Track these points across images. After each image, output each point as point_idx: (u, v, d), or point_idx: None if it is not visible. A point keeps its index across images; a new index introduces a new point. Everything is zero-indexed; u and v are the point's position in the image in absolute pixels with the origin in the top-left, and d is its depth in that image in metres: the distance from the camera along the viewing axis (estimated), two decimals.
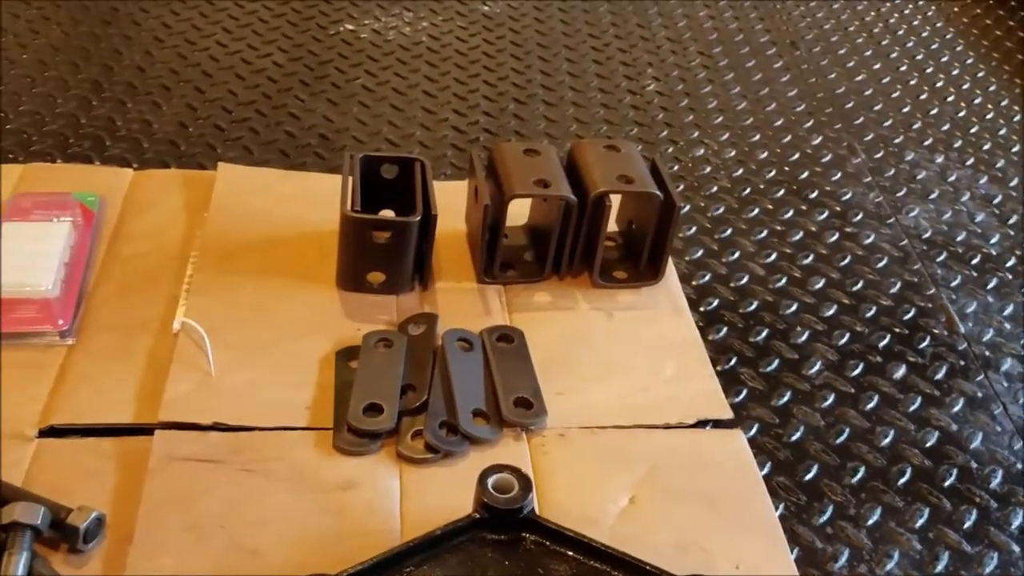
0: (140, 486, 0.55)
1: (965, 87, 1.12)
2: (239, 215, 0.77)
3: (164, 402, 0.60)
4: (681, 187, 0.90)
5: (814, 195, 0.91)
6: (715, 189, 0.90)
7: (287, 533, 0.54)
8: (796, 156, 0.97)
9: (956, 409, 0.68)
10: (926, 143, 1.01)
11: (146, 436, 0.58)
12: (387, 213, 0.74)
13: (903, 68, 1.15)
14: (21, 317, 0.63)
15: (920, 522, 0.59)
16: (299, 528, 0.54)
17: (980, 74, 1.15)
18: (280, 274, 0.73)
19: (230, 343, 0.65)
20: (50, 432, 0.58)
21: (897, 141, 1.01)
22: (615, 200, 0.74)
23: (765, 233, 0.85)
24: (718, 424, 0.63)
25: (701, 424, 0.63)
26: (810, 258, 0.82)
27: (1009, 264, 0.84)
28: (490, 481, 0.52)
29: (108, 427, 0.59)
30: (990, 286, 0.81)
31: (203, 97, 0.97)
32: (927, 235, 0.86)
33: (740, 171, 0.94)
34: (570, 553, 0.50)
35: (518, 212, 0.77)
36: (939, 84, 1.12)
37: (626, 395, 0.65)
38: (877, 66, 1.15)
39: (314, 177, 0.85)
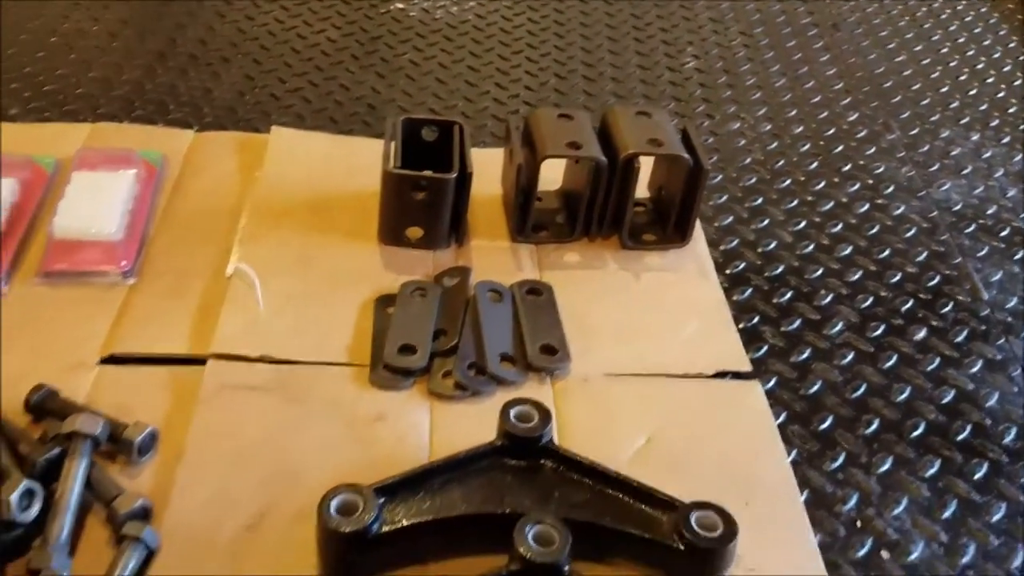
0: (191, 411, 0.60)
1: (1007, 69, 1.12)
2: (289, 175, 0.82)
3: (216, 336, 0.65)
4: (715, 158, 0.92)
5: (847, 168, 0.93)
6: (748, 160, 0.92)
7: (325, 458, 0.58)
8: (831, 131, 0.99)
9: (974, 370, 0.69)
10: (963, 121, 1.01)
11: (198, 367, 0.63)
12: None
13: (944, 50, 1.15)
14: (87, 258, 0.69)
15: (931, 472, 0.61)
16: (335, 453, 0.58)
17: (1022, 57, 1.15)
18: (325, 230, 0.77)
19: (278, 289, 0.70)
20: (110, 360, 0.63)
21: (933, 119, 1.01)
22: (646, 165, 0.77)
23: (795, 203, 0.87)
24: (737, 376, 0.66)
25: (720, 376, 0.66)
26: (839, 227, 0.84)
27: None
28: (512, 412, 0.56)
29: (164, 357, 0.64)
30: (1017, 257, 0.81)
31: (260, 68, 1.02)
32: (957, 208, 0.87)
33: (774, 144, 0.95)
34: (586, 481, 0.54)
35: (553, 177, 0.81)
36: (980, 66, 1.12)
37: (648, 349, 0.68)
38: (918, 48, 1.16)
39: (360, 142, 0.89)
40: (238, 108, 0.95)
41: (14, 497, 0.48)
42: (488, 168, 0.79)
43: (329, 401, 0.62)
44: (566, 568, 0.47)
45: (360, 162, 0.84)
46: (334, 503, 0.50)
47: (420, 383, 0.64)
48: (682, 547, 0.49)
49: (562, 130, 0.76)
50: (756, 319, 0.72)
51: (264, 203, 0.78)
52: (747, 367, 0.66)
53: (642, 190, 0.79)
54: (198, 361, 0.63)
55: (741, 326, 0.70)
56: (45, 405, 0.57)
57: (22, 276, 0.69)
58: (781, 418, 0.63)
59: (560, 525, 0.49)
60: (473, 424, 0.61)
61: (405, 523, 0.50)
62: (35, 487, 0.50)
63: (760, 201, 0.86)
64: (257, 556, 0.52)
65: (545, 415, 0.55)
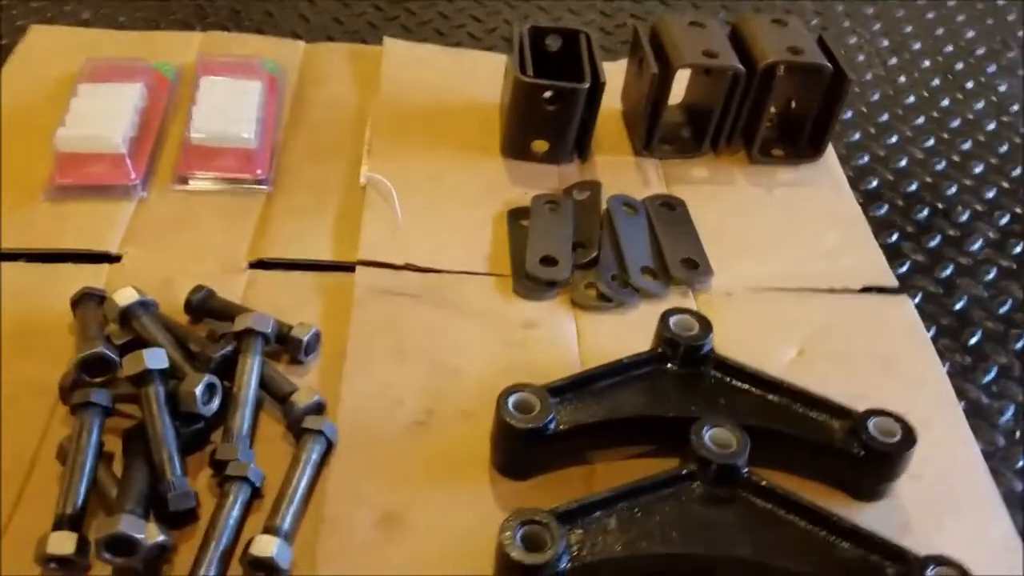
0: (345, 313, 0.60)
1: None
2: (407, 87, 0.81)
3: (361, 244, 0.65)
4: None
5: (970, 86, 0.89)
6: (869, 77, 0.89)
7: (481, 358, 0.58)
8: (950, 48, 0.95)
9: None
10: None
11: (345, 273, 0.63)
12: None
13: None
14: (225, 164, 0.69)
15: None
16: (489, 355, 0.59)
17: None
18: (448, 144, 0.76)
19: (410, 200, 0.69)
20: (259, 265, 0.64)
21: None
22: None
23: (922, 120, 0.84)
24: (882, 291, 0.65)
25: (866, 291, 0.65)
26: (968, 144, 0.81)
27: None
28: (672, 320, 0.56)
29: (310, 263, 0.64)
30: None
31: None
32: None
33: (894, 60, 0.92)
34: (751, 388, 0.54)
35: (672, 91, 0.79)
36: None
37: (789, 263, 0.67)
38: None
39: (473, 54, 0.88)
40: (343, 19, 0.93)
41: (199, 390, 0.49)
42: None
43: (478, 308, 0.62)
44: (745, 470, 0.48)
45: (474, 74, 0.83)
46: (511, 401, 0.50)
47: (562, 294, 0.64)
48: (862, 453, 0.49)
49: (695, 38, 0.74)
50: (896, 235, 0.71)
51: (386, 117, 0.77)
52: (893, 282, 0.65)
53: None
54: (343, 267, 0.64)
55: (881, 243, 0.69)
56: (205, 305, 0.58)
57: (159, 182, 0.69)
58: (931, 333, 0.62)
59: (736, 428, 0.49)
60: (618, 334, 0.62)
61: (577, 422, 0.51)
62: (215, 382, 0.51)
63: (886, 118, 0.84)
64: (429, 449, 0.53)
65: (706, 324, 0.55)
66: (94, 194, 0.66)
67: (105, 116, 0.67)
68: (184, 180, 0.68)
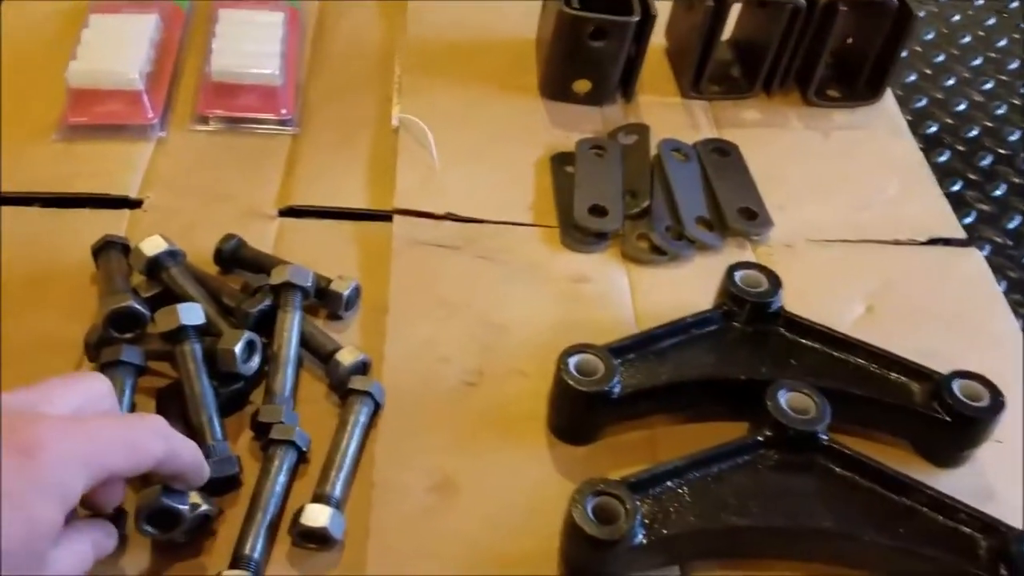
0: (383, 265, 0.56)
1: None
2: (436, 21, 0.75)
3: (397, 192, 0.61)
4: None
5: None
6: (922, 14, 0.84)
7: (529, 315, 0.55)
8: None
9: None
10: None
11: (381, 223, 0.59)
12: None
13: None
14: (247, 103, 0.64)
15: None
16: (539, 311, 0.55)
17: None
18: (482, 81, 0.71)
19: (445, 143, 0.65)
20: (289, 212, 0.60)
21: None
22: None
23: (980, 61, 0.80)
24: (949, 243, 0.62)
25: (932, 243, 0.61)
26: None
27: None
28: (737, 275, 0.52)
29: (343, 211, 0.60)
30: None
31: None
32: None
33: None
34: (824, 348, 0.50)
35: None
36: None
37: (850, 211, 0.63)
38: None
39: None
40: None
41: (238, 348, 0.46)
42: None
43: (524, 261, 0.58)
44: (824, 438, 0.45)
45: (506, 8, 0.77)
46: (573, 362, 0.47)
47: (612, 246, 0.60)
48: (947, 418, 0.46)
49: None
50: (960, 184, 0.67)
51: (416, 52, 0.72)
52: (960, 233, 0.62)
53: None
54: (378, 216, 0.60)
55: (945, 191, 0.65)
56: (236, 255, 0.54)
57: (177, 122, 0.64)
58: (1002, 287, 0.59)
59: (815, 392, 0.46)
60: (673, 288, 0.58)
61: (640, 385, 0.48)
62: (255, 339, 0.47)
63: (943, 59, 0.79)
64: (481, 410, 0.50)
65: (775, 280, 0.51)
66: (109, 134, 0.61)
67: (119, 49, 0.62)
68: (204, 120, 0.64)
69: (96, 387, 0.39)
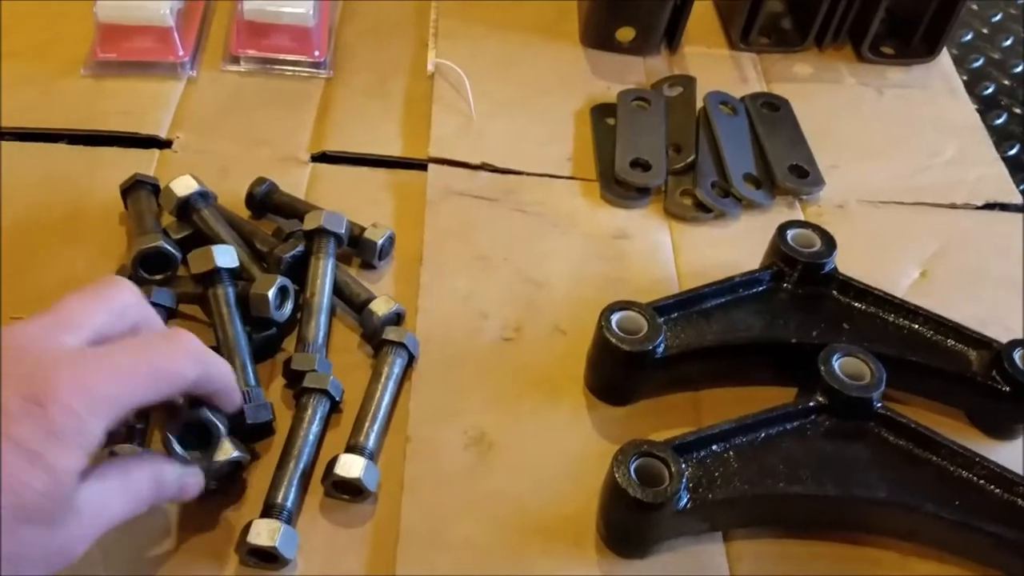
0: (418, 215, 0.55)
1: None
2: None
3: (432, 140, 0.59)
4: None
5: None
6: None
7: (567, 271, 0.53)
8: None
9: None
10: None
11: (415, 171, 0.57)
12: None
13: None
14: (279, 44, 0.62)
15: None
16: (578, 267, 0.53)
17: None
18: (521, 28, 0.69)
19: (482, 91, 0.63)
20: (322, 158, 0.58)
21: None
22: None
23: None
24: (1006, 208, 0.59)
25: (988, 207, 0.59)
26: None
27: None
28: (789, 234, 0.50)
29: (377, 158, 0.58)
30: None
31: None
32: None
33: None
34: (878, 312, 0.48)
35: None
36: None
37: (904, 173, 0.61)
38: None
39: None
40: None
41: (271, 293, 0.44)
42: None
43: (563, 215, 0.56)
44: (879, 405, 0.43)
45: None
46: (615, 319, 0.45)
47: (655, 201, 0.58)
48: (1006, 388, 0.44)
49: None
50: (1017, 147, 0.64)
51: None
52: (1018, 198, 0.59)
53: None
54: (412, 164, 0.58)
55: (1002, 155, 0.62)
56: (269, 200, 0.53)
57: (208, 61, 0.62)
58: None
59: (869, 357, 0.44)
60: (718, 247, 0.56)
61: (686, 346, 0.46)
62: (288, 284, 0.46)
63: (1000, 17, 0.76)
64: (519, 366, 0.48)
65: (829, 240, 0.49)
66: (138, 71, 0.60)
67: None
68: (235, 60, 0.62)
69: (120, 298, 0.36)
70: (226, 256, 0.45)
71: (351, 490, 0.41)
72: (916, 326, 0.48)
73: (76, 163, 0.55)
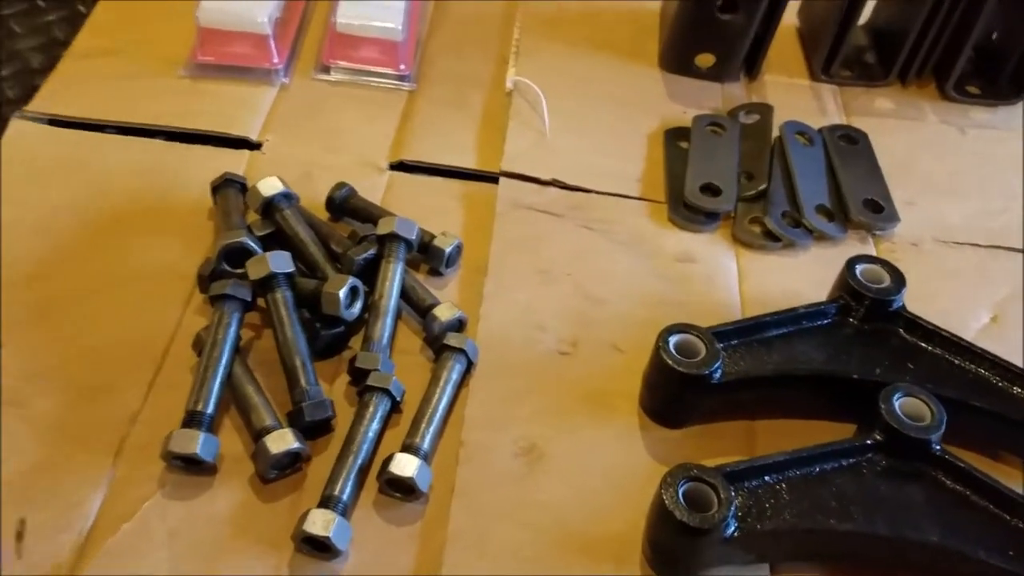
0: (487, 226, 0.56)
1: None
2: None
3: (506, 154, 0.60)
4: None
5: None
6: None
7: (628, 290, 0.54)
8: None
9: None
10: None
11: (487, 184, 0.59)
12: None
13: None
14: (368, 56, 0.64)
15: None
16: (640, 287, 0.54)
17: None
18: (601, 48, 0.70)
19: (558, 109, 0.64)
20: (400, 167, 0.60)
21: None
22: None
23: None
24: None
25: None
26: None
27: None
28: (858, 269, 0.49)
29: (452, 169, 0.60)
30: None
31: None
32: None
33: None
34: (944, 354, 0.47)
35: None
36: None
37: (982, 214, 0.60)
38: None
39: None
40: None
41: (343, 293, 0.46)
42: None
43: (628, 234, 0.57)
44: (938, 448, 0.42)
45: None
46: (673, 341, 0.45)
47: (723, 227, 0.58)
48: None
49: None
50: None
51: (536, 14, 0.72)
52: None
53: None
54: (486, 177, 0.60)
55: None
56: (347, 204, 0.55)
57: (301, 69, 0.65)
58: None
59: (931, 398, 0.43)
60: (785, 278, 0.56)
61: (744, 373, 0.46)
62: (359, 285, 0.48)
63: None
64: (574, 381, 0.49)
65: (898, 277, 0.49)
66: (234, 75, 0.63)
67: None
68: (326, 69, 0.64)
69: None
70: (281, 261, 0.47)
71: (404, 488, 0.43)
72: (982, 371, 0.47)
73: (171, 159, 0.58)
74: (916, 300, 0.51)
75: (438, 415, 0.45)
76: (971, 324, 0.53)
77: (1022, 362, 0.48)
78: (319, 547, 0.41)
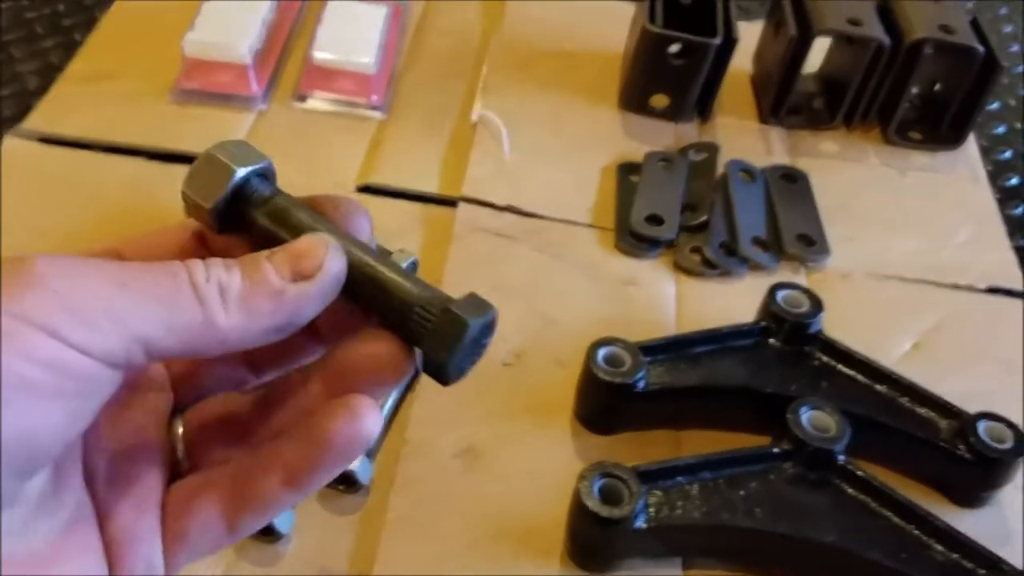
0: (445, 246, 0.60)
1: None
2: (530, 26, 0.79)
3: (466, 180, 0.64)
4: None
5: None
6: (1021, 69, 0.83)
7: (578, 309, 0.57)
8: None
9: None
10: None
11: (449, 208, 0.63)
12: None
13: None
14: (343, 87, 0.69)
15: None
16: (588, 307, 0.58)
17: None
18: (565, 87, 0.75)
19: (520, 141, 0.68)
20: (366, 190, 0.64)
21: None
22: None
23: None
24: (1009, 294, 0.61)
25: (991, 291, 0.61)
26: None
27: None
28: (780, 295, 0.53)
29: (415, 193, 0.64)
30: None
31: None
32: None
33: None
34: (857, 375, 0.51)
35: (809, 60, 0.75)
36: None
37: (915, 252, 0.63)
38: None
39: (601, 5, 0.85)
40: None
41: None
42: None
43: (578, 259, 0.61)
44: (841, 458, 0.46)
45: (602, 20, 0.80)
46: (601, 353, 0.49)
47: (666, 255, 0.62)
48: (969, 456, 0.46)
49: (840, 4, 0.69)
50: None
51: (504, 54, 0.76)
52: (1021, 286, 0.61)
53: None
54: (447, 202, 0.64)
55: (1015, 244, 0.64)
56: None
57: (279, 97, 0.70)
58: None
59: (837, 413, 0.47)
60: (720, 303, 0.59)
61: (667, 384, 0.49)
62: None
63: None
64: (516, 391, 0.52)
65: (816, 303, 0.52)
66: (217, 101, 0.67)
67: (233, 25, 0.67)
68: (303, 98, 0.69)
69: None
70: None
71: (346, 481, 0.46)
72: (891, 391, 0.50)
73: (153, 176, 0.63)
74: (843, 327, 0.55)
75: (385, 414, 0.49)
76: (893, 351, 0.56)
77: (939, 388, 0.51)
78: (263, 531, 0.44)
